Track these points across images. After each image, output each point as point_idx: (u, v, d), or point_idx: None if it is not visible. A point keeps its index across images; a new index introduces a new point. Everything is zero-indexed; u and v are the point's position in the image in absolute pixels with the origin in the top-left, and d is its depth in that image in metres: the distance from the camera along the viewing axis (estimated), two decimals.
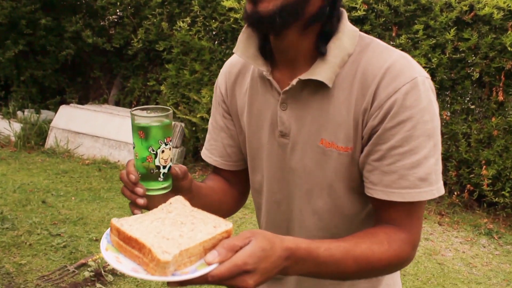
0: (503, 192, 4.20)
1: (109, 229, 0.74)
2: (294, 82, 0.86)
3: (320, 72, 0.84)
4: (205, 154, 1.11)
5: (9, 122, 5.64)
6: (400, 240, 0.84)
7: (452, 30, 4.30)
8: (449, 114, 4.54)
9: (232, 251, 0.67)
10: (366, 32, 4.54)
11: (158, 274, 0.64)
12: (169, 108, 0.84)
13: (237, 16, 4.91)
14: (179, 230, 0.72)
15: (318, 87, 0.86)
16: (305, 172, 0.91)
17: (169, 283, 0.67)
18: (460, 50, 4.35)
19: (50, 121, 5.72)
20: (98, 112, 5.61)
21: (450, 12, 4.36)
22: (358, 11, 4.48)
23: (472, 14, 4.33)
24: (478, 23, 4.34)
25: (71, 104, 5.94)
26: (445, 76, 4.44)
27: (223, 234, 0.71)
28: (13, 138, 5.54)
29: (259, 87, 0.96)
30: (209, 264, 0.66)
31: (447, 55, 4.36)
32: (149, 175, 0.83)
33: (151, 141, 0.81)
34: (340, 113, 0.85)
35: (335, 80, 0.85)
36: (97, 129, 5.38)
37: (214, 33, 5.33)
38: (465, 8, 4.33)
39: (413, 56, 4.38)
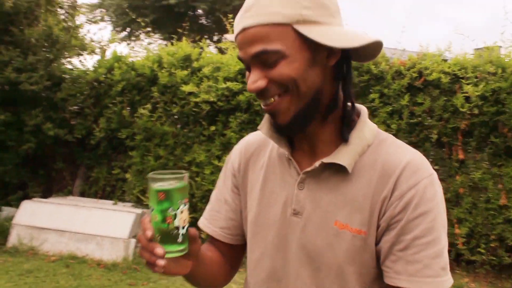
0: (478, 249, 4.23)
1: None
2: (317, 164, 0.92)
3: (343, 157, 0.90)
4: (203, 223, 1.12)
5: None
6: None
7: (406, 96, 4.51)
8: None
9: None
10: None
11: None
12: (184, 171, 0.88)
13: (197, 100, 5.01)
14: None
15: (338, 171, 0.91)
16: (315, 251, 0.93)
17: None
18: (416, 114, 4.54)
19: (11, 218, 5.46)
20: (62, 205, 5.44)
21: (401, 79, 4.60)
22: None
23: (422, 79, 4.58)
24: (428, 87, 4.58)
25: (34, 199, 5.74)
26: (406, 140, 4.58)
27: None
28: None
29: (277, 166, 1.01)
30: None
31: (405, 120, 4.54)
32: (168, 236, 0.84)
33: (171, 202, 0.84)
34: (357, 198, 0.90)
35: (354, 166, 0.91)
36: (62, 222, 5.18)
37: (175, 117, 5.40)
38: (414, 75, 4.58)
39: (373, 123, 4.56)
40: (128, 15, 14.84)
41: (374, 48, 0.89)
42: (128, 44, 16.31)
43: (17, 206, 5.68)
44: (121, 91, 5.65)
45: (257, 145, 1.08)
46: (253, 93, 0.88)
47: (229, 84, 4.84)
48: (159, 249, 0.82)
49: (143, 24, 10.05)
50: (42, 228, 5.21)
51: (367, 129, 0.94)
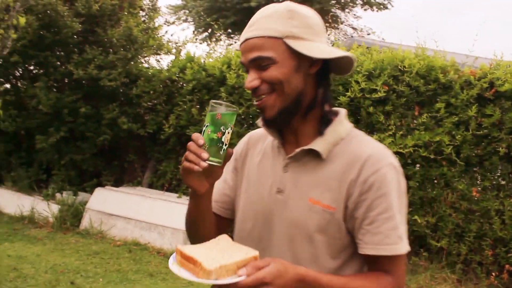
0: None
1: (174, 252, 1.05)
2: (297, 150, 1.14)
3: (318, 145, 1.12)
4: None
5: (48, 204, 5.92)
6: (388, 281, 1.09)
7: (474, 107, 4.34)
8: (479, 190, 4.44)
9: (256, 269, 0.95)
10: (389, 112, 4.65)
11: (204, 278, 0.95)
12: (236, 107, 1.07)
13: None
14: (222, 254, 1.02)
15: (315, 157, 1.13)
16: (292, 223, 1.13)
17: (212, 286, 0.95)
18: (484, 126, 4.35)
19: (86, 203, 5.94)
20: (131, 194, 5.80)
21: (470, 90, 4.43)
22: (379, 93, 4.61)
23: (493, 90, 4.38)
24: (500, 99, 4.37)
25: (106, 187, 6.18)
26: (471, 153, 4.41)
27: (251, 258, 1.00)
28: (51, 219, 5.78)
29: (270, 153, 1.23)
30: (239, 276, 0.95)
31: (471, 132, 4.37)
32: (214, 147, 1.06)
33: (224, 123, 1.05)
34: (328, 180, 1.11)
35: (328, 154, 1.13)
36: (129, 211, 5.53)
37: (242, 117, 5.56)
38: (485, 85, 4.39)
39: (436, 134, 4.45)
40: (209, 16, 15.37)
41: (347, 63, 1.14)
42: (208, 45, 16.86)
43: (91, 192, 6.16)
44: (191, 90, 5.92)
45: (258, 137, 1.30)
46: (249, 90, 1.11)
47: None
48: (205, 154, 1.03)
49: (216, 26, 10.36)
50: (111, 214, 5.59)
51: (341, 126, 1.16)
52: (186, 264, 1.01)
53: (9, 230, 5.55)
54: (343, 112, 1.19)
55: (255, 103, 1.13)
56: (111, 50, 6.44)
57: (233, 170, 1.30)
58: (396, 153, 4.47)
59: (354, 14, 18.66)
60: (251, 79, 1.10)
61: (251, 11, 15.61)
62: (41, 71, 6.73)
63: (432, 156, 4.46)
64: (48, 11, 6.05)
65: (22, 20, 2.69)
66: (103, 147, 6.61)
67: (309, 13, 1.13)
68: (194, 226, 1.24)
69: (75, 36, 6.43)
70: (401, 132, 4.58)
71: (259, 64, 1.08)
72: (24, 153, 6.93)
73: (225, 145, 1.07)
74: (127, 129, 6.22)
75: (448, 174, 4.45)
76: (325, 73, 1.15)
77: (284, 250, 1.13)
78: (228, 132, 1.07)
